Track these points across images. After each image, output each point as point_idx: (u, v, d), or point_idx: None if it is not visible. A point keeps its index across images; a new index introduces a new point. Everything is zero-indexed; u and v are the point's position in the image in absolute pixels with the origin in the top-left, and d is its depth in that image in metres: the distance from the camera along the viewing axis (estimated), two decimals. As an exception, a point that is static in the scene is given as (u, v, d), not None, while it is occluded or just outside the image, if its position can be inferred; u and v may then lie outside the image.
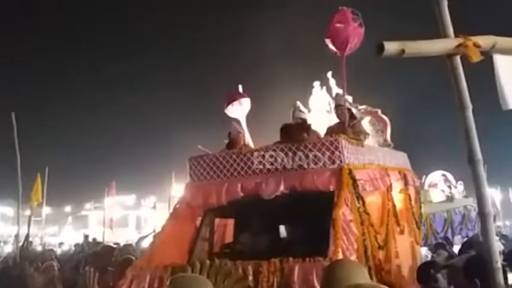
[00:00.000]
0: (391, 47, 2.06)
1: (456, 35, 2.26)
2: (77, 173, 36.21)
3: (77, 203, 38.53)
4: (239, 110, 6.88)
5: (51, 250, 15.56)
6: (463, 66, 2.31)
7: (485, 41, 2.33)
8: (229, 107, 6.88)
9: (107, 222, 17.86)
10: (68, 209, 39.40)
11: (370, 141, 6.10)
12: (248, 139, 6.58)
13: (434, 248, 6.17)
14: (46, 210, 22.43)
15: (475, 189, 2.30)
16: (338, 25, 5.28)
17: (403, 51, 2.07)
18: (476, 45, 2.23)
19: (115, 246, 11.38)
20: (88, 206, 36.86)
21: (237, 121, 6.64)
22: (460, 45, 2.20)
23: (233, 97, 6.94)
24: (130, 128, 40.47)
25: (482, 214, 2.25)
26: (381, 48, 2.05)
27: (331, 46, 5.39)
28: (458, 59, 2.25)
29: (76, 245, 16.48)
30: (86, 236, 17.04)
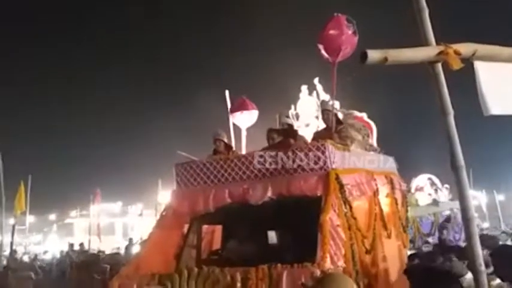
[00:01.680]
0: (374, 55, 2.09)
1: (437, 43, 2.30)
2: (62, 181, 35.62)
3: (62, 210, 37.91)
4: (246, 119, 6.86)
5: (35, 259, 15.34)
6: (447, 72, 2.35)
7: (465, 48, 2.37)
8: (238, 113, 6.85)
9: (93, 230, 17.63)
10: (52, 217, 38.74)
11: (357, 146, 6.16)
12: (243, 148, 6.59)
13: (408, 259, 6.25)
14: (30, 218, 22.01)
15: (458, 194, 2.34)
16: (332, 32, 5.21)
17: (386, 59, 2.11)
18: (456, 53, 2.27)
19: (100, 254, 11.24)
20: (73, 213, 36.33)
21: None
22: (441, 52, 2.24)
23: (245, 106, 6.90)
24: (116, 134, 40.03)
25: (465, 219, 2.28)
26: (365, 56, 2.08)
27: (323, 52, 5.36)
28: (439, 66, 2.28)
29: (61, 253, 16.27)
30: (71, 245, 16.82)
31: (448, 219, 10.36)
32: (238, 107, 6.95)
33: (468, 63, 2.44)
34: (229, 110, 7.06)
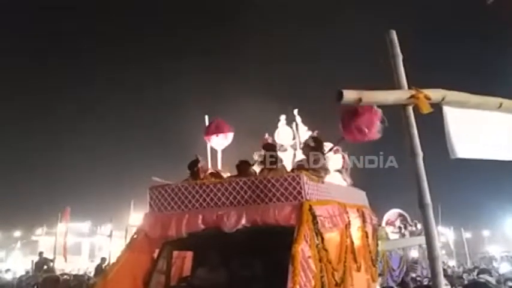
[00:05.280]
0: (349, 95, 2.20)
1: (409, 87, 2.43)
2: (29, 197, 34.40)
3: (28, 227, 36.47)
4: (222, 142, 6.85)
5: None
6: (419, 113, 2.46)
7: (435, 94, 2.52)
8: (213, 136, 6.83)
9: (58, 249, 16.97)
10: (17, 233, 37.20)
11: (335, 177, 6.22)
12: (219, 170, 6.57)
13: None
14: (-7, 234, 21.10)
15: (425, 232, 2.43)
16: (361, 125, 4.80)
17: (360, 99, 2.21)
18: (427, 98, 2.41)
19: (65, 276, 10.85)
20: (39, 231, 34.99)
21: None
22: (412, 96, 2.37)
23: (221, 128, 6.89)
24: (88, 152, 39.16)
25: (431, 257, 2.36)
26: (340, 95, 2.18)
27: (340, 127, 5.14)
28: (410, 109, 2.41)
29: (27, 273, 15.60)
30: (37, 263, 16.15)
31: (416, 261, 10.61)
32: (214, 129, 6.97)
33: (438, 107, 2.58)
34: (204, 132, 7.08)
